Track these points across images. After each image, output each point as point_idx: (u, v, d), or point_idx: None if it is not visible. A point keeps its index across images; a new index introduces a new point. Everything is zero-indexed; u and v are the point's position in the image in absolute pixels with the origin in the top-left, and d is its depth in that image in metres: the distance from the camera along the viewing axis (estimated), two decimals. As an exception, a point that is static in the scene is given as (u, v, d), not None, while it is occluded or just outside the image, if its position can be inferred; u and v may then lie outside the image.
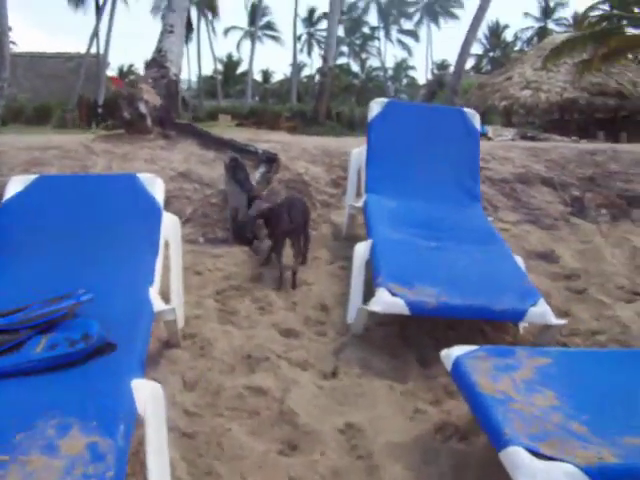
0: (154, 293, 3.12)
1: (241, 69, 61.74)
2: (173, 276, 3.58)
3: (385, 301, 3.24)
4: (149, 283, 3.16)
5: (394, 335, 3.57)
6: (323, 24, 57.61)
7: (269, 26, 54.53)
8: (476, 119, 5.07)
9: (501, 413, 2.15)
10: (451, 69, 56.70)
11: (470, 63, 56.90)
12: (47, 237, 3.40)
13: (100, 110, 23.93)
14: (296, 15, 46.17)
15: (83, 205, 3.57)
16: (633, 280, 4.77)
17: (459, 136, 5.00)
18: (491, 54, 70.43)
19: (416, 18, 59.05)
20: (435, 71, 60.04)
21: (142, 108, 6.32)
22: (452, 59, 75.03)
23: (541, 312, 3.31)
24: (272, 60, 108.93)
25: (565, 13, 70.36)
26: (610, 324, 3.94)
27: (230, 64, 60.54)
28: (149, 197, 3.56)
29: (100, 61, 32.39)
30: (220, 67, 54.22)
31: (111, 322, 2.63)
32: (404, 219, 4.26)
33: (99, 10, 33.47)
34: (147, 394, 2.27)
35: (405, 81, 68.02)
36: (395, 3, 56.16)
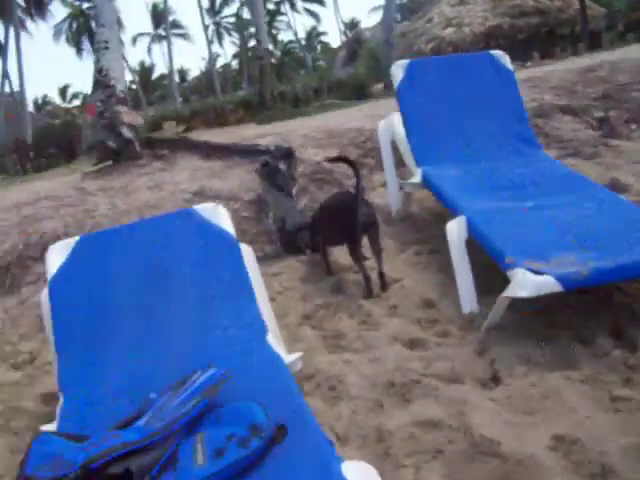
0: (275, 342, 2.63)
1: (155, 74, 60.58)
2: (266, 314, 3.04)
3: (533, 282, 2.76)
4: (264, 331, 2.66)
5: (530, 318, 3.11)
6: (226, 10, 56.77)
7: (175, 24, 53.32)
8: (506, 59, 4.62)
9: None
10: (361, 25, 56.37)
11: (379, 16, 56.52)
12: (119, 309, 2.83)
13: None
14: (201, 7, 44.99)
15: (145, 260, 3.00)
16: None
17: (494, 81, 4.55)
18: (398, 1, 70.17)
19: (317, -18, 58.30)
20: (347, 32, 59.57)
21: (126, 132, 5.71)
22: (360, 16, 74.70)
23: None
24: (184, 58, 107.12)
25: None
26: None
27: (144, 71, 59.20)
28: (220, 231, 3.03)
29: (16, 98, 31.13)
30: (136, 77, 52.89)
31: (256, 396, 2.13)
32: (481, 185, 3.80)
33: (2, 49, 32.03)
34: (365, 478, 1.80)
35: (319, 48, 67.37)
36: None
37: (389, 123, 4.66)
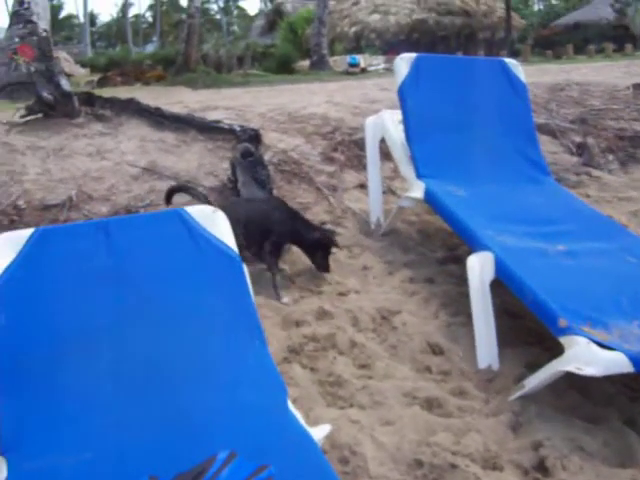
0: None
1: (63, 13, 57.43)
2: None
3: (601, 359, 2.29)
4: (284, 394, 2.05)
5: (563, 387, 2.62)
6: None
7: (90, -37, 50.49)
8: (519, 70, 4.15)
9: None
10: (282, -3, 55.12)
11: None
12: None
13: None
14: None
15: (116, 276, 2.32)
16: None
17: (507, 92, 4.06)
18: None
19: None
20: (267, 1, 58.23)
21: (65, 84, 4.86)
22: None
23: None
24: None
25: None
26: None
27: (51, 9, 56.03)
28: (221, 247, 2.36)
29: None
30: (41, 12, 49.78)
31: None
32: (499, 215, 3.30)
33: None
34: None
35: (236, 12, 65.67)
36: None
37: (379, 121, 4.11)
